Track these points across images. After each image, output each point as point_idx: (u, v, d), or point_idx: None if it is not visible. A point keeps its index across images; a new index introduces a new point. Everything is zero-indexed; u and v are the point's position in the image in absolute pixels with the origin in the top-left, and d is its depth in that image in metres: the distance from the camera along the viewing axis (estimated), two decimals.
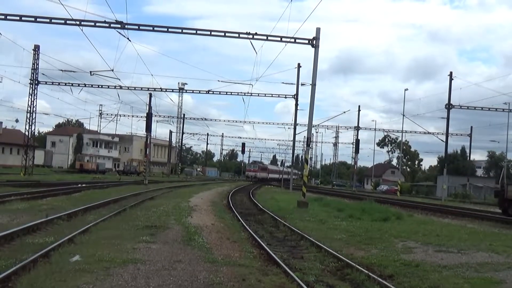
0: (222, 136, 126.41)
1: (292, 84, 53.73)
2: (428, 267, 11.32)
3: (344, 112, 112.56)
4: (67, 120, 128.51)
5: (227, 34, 31.75)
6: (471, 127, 78.77)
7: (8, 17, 30.61)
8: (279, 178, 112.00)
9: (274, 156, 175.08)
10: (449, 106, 54.48)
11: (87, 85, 56.16)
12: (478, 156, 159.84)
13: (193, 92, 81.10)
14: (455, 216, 27.83)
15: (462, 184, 76.78)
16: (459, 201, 54.49)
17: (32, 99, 54.58)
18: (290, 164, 69.21)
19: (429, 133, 79.65)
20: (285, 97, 55.71)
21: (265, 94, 58.86)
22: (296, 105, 52.75)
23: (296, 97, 52.51)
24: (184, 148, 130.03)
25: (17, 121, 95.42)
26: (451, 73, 54.07)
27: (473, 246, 14.49)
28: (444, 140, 57.52)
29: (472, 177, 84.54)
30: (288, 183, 59.95)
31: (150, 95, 56.27)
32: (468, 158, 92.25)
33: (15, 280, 8.19)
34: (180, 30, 32.34)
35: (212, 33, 31.76)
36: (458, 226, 21.47)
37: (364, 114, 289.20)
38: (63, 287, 7.91)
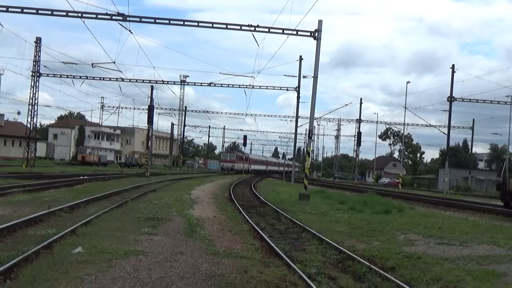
0: (224, 128, 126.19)
1: (294, 76, 54.05)
2: (429, 259, 11.32)
3: (346, 104, 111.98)
4: (69, 112, 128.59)
5: (229, 27, 31.68)
6: (473, 119, 78.60)
7: (9, 9, 30.57)
8: (265, 170, 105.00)
9: (276, 149, 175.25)
10: (451, 99, 54.36)
11: (88, 78, 56.24)
12: (480, 149, 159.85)
13: (194, 85, 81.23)
14: (457, 209, 27.81)
15: (464, 177, 76.75)
16: (460, 194, 54.48)
17: (34, 92, 54.58)
18: (292, 156, 69.30)
19: (430, 126, 79.43)
20: (287, 90, 55.76)
21: (267, 86, 59.03)
22: (298, 97, 52.77)
23: (298, 89, 52.49)
24: (185, 141, 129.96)
25: (19, 113, 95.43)
26: (453, 65, 53.98)
27: (475, 239, 14.47)
28: (446, 133, 57.50)
29: (474, 170, 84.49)
30: (289, 176, 59.96)
31: (152, 87, 56.21)
32: (470, 151, 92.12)
33: (17, 271, 8.21)
34: (182, 22, 32.26)
35: (214, 25, 31.71)
36: (459, 218, 21.45)
37: (366, 107, 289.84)
38: (65, 278, 7.92)
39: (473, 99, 58.08)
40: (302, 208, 22.94)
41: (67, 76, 54.90)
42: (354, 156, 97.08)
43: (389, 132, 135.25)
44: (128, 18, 30.53)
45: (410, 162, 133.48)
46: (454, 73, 53.65)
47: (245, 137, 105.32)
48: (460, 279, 9.48)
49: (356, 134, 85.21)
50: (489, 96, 60.71)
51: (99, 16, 30.46)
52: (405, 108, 68.39)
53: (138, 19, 31.14)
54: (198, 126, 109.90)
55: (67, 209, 16.40)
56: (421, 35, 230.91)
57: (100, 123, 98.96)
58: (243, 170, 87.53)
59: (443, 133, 60.95)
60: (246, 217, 18.12)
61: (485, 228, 17.73)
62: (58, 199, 19.69)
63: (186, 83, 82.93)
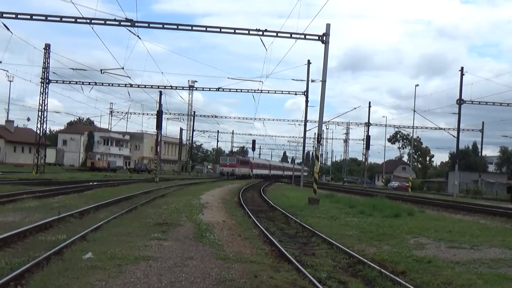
0: (233, 133, 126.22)
1: (302, 80, 53.56)
2: (440, 263, 11.27)
3: (355, 108, 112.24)
4: (78, 118, 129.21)
5: (237, 31, 31.71)
6: (483, 122, 78.21)
7: (18, 16, 30.74)
8: (268, 175, 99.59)
9: (284, 153, 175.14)
10: (460, 102, 54.15)
11: (97, 84, 56.45)
12: (489, 151, 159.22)
13: (203, 90, 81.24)
14: (467, 212, 27.65)
15: (474, 180, 76.39)
16: (471, 197, 54.16)
17: (43, 98, 54.89)
18: (301, 161, 69.15)
19: (440, 128, 79.17)
20: (295, 94, 55.54)
21: (275, 91, 58.49)
22: (307, 101, 52.77)
23: (306, 93, 52.44)
24: (194, 146, 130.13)
25: (28, 119, 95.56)
26: (462, 68, 53.80)
27: (486, 242, 14.40)
28: (456, 136, 57.28)
29: (484, 173, 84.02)
30: (298, 180, 59.89)
31: (160, 93, 56.38)
32: (479, 153, 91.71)
33: (28, 277, 8.24)
34: (190, 27, 32.35)
35: (222, 30, 31.74)
36: (470, 222, 21.35)
37: (374, 110, 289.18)
38: (76, 284, 7.94)
39: (482, 102, 57.85)
40: (311, 212, 22.90)
41: (76, 82, 55.22)
42: (363, 160, 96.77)
43: (398, 136, 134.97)
44: (136, 24, 30.62)
45: (419, 166, 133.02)
46: (463, 76, 53.49)
47: (253, 142, 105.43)
48: (471, 283, 9.43)
49: (365, 137, 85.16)
50: (499, 98, 60.14)
51: (107, 22, 30.57)
52: (414, 111, 68.12)
53: (146, 25, 31.24)
54: (206, 131, 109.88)
55: (77, 215, 16.45)
56: (429, 38, 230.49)
57: (109, 129, 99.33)
58: (245, 175, 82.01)
59: (453, 136, 60.77)
60: (256, 221, 18.10)
61: (496, 231, 17.64)
62: (67, 205, 19.76)
63: (195, 88, 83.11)
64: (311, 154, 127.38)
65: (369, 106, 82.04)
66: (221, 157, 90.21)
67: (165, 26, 31.43)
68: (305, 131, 56.27)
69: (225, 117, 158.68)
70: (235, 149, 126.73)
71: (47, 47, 54.74)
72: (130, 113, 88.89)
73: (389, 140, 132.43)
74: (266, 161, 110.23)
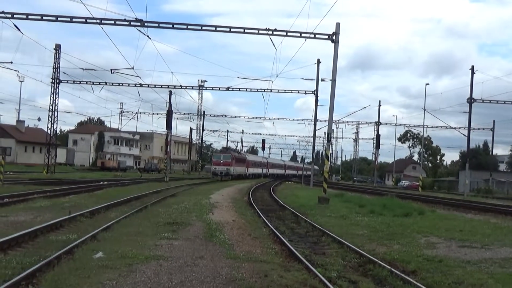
0: (242, 132, 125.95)
1: (311, 80, 53.42)
2: (451, 262, 11.22)
3: (365, 107, 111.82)
4: (89, 118, 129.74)
5: (246, 31, 31.71)
6: (494, 121, 77.55)
7: (29, 17, 30.92)
8: (266, 174, 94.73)
9: (294, 152, 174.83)
10: (471, 100, 53.82)
11: (108, 84, 56.72)
12: (500, 150, 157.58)
13: (213, 89, 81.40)
14: (478, 211, 27.52)
15: (485, 179, 75.94)
16: (481, 196, 53.92)
17: (54, 98, 55.22)
18: (311, 160, 69.01)
19: (450, 127, 78.75)
20: (305, 93, 55.49)
21: (284, 90, 58.53)
22: (316, 101, 52.61)
23: (316, 93, 52.36)
24: (204, 145, 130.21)
25: (39, 119, 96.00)
26: (472, 67, 53.39)
27: (497, 241, 14.34)
28: (466, 135, 56.95)
29: (495, 172, 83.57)
30: (308, 179, 59.80)
31: (170, 92, 56.49)
32: (490, 152, 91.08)
33: (39, 276, 8.28)
34: (199, 27, 32.38)
35: (232, 29, 31.73)
36: (481, 221, 21.24)
37: (384, 109, 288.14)
38: (87, 283, 7.97)
39: (493, 100, 57.50)
40: (321, 211, 22.86)
41: (87, 82, 55.45)
42: (373, 159, 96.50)
43: (408, 135, 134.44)
44: (146, 24, 30.69)
45: (430, 165, 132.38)
46: (474, 74, 53.14)
47: (263, 141, 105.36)
48: (482, 282, 9.38)
49: (375, 136, 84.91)
50: (510, 97, 59.91)
51: (117, 22, 30.67)
52: (424, 110, 67.85)
53: (156, 25, 31.30)
54: (216, 131, 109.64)
55: (87, 215, 16.52)
56: (439, 37, 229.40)
57: (119, 129, 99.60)
58: (240, 175, 73.66)
59: (463, 135, 60.40)
60: (266, 221, 18.09)
61: (508, 230, 17.54)
62: (78, 205, 19.85)
63: (204, 88, 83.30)
64: (321, 153, 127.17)
65: (379, 105, 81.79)
66: (213, 154, 78.98)
67: (174, 26, 31.49)
68: (315, 130, 56.02)
69: (235, 117, 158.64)
70: (245, 149, 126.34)
71: (58, 48, 55.04)
72: (140, 113, 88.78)
73: (399, 139, 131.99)
74: (264, 158, 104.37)
